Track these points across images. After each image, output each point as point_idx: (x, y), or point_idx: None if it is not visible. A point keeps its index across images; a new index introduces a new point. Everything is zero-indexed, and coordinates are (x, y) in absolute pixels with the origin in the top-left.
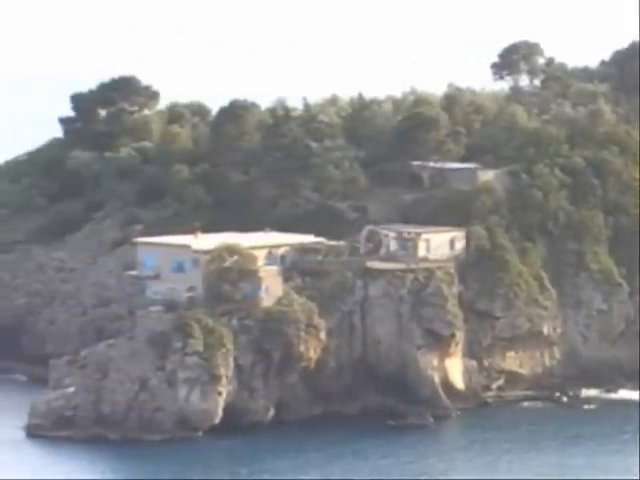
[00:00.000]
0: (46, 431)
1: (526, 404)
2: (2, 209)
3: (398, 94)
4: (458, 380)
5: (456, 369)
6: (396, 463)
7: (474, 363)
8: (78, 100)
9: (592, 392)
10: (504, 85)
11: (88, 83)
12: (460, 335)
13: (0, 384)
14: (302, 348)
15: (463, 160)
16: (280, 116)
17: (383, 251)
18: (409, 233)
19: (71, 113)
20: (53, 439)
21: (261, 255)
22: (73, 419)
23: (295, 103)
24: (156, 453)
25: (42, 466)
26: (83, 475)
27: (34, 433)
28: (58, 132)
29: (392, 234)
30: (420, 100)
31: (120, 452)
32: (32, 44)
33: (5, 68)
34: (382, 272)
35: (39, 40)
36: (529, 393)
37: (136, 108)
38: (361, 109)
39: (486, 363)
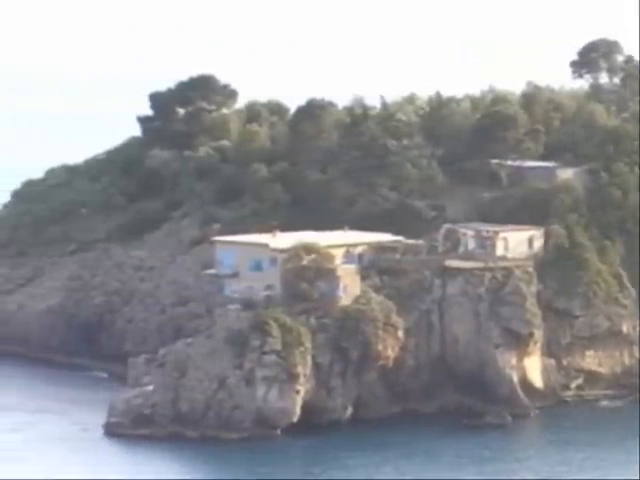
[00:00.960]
0: (125, 429)
1: (605, 403)
2: (82, 208)
3: (476, 92)
4: (537, 379)
5: (535, 368)
6: (471, 462)
7: (553, 362)
8: (157, 99)
9: None
10: (583, 83)
11: (167, 82)
12: (539, 334)
13: (79, 382)
14: (380, 347)
15: (542, 158)
16: (358, 115)
17: (461, 250)
18: (487, 232)
19: (150, 112)
20: (132, 437)
21: (339, 254)
22: (152, 417)
23: (373, 102)
24: (234, 452)
25: (120, 464)
26: (161, 473)
27: (113, 431)
28: (137, 131)
29: (470, 233)
30: (498, 98)
31: (198, 450)
32: (112, 45)
33: (86, 69)
34: (460, 271)
35: (118, 40)
36: (608, 392)
37: (214, 107)
38: (439, 107)
39: (565, 362)
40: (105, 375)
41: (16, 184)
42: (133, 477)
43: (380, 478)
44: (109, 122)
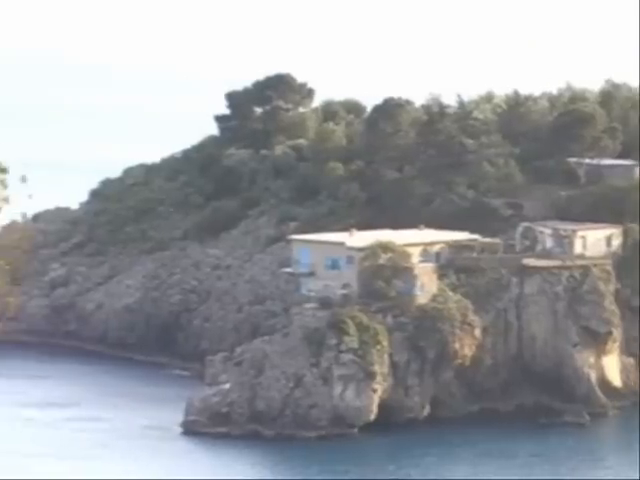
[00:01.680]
0: (202, 427)
1: None
2: (159, 207)
3: (554, 90)
4: (615, 378)
5: (613, 367)
6: (547, 461)
7: (632, 361)
8: (234, 98)
9: None
10: None
11: (244, 81)
12: (617, 333)
13: (157, 380)
14: (457, 345)
15: (620, 156)
16: (435, 113)
17: (539, 248)
18: (565, 230)
19: (227, 111)
20: (209, 435)
21: (416, 252)
22: (229, 415)
23: (450, 100)
24: (310, 450)
25: (198, 463)
26: (238, 472)
27: (190, 429)
28: (214, 130)
29: (548, 231)
30: (576, 96)
31: (274, 449)
32: (190, 44)
33: (163, 68)
34: (538, 269)
35: (196, 40)
36: None
37: (291, 106)
38: (516, 106)
39: None
40: (183, 373)
41: (94, 183)
42: (210, 475)
43: (454, 478)
44: (186, 121)
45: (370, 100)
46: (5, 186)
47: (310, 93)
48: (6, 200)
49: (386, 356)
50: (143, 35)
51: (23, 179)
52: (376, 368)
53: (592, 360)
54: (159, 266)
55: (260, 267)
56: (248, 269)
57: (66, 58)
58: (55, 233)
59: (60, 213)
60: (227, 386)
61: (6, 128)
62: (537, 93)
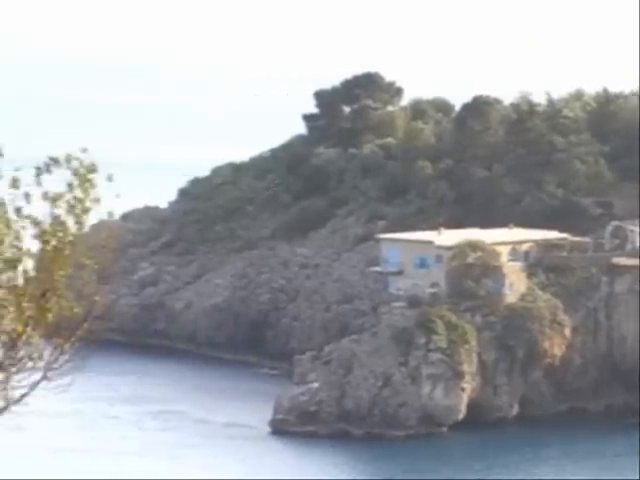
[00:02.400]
0: (290, 426)
1: None
2: (248, 206)
3: None
4: None
5: None
6: (632, 462)
7: None
8: (322, 97)
9: None
10: None
11: (332, 80)
12: None
13: (245, 379)
14: (546, 345)
15: None
16: (524, 111)
17: (629, 247)
18: None
19: (315, 110)
20: (297, 435)
21: (505, 251)
22: (317, 414)
23: (539, 98)
24: (399, 449)
25: (286, 462)
26: (327, 471)
27: (279, 428)
28: (302, 129)
29: (638, 229)
30: None
31: (363, 448)
32: (276, 43)
33: (250, 67)
34: (628, 268)
35: (283, 38)
36: None
37: (379, 105)
38: (606, 104)
39: None
40: (271, 372)
41: (183, 182)
42: (298, 475)
43: (540, 478)
44: (274, 120)
45: (459, 99)
46: (94, 186)
47: (399, 92)
48: (97, 201)
49: (474, 355)
50: (228, 33)
51: (109, 178)
52: (464, 367)
53: None
54: (248, 265)
55: (348, 266)
56: (336, 268)
57: (149, 60)
58: (144, 232)
59: (149, 212)
60: (315, 385)
61: (94, 128)
62: (627, 91)
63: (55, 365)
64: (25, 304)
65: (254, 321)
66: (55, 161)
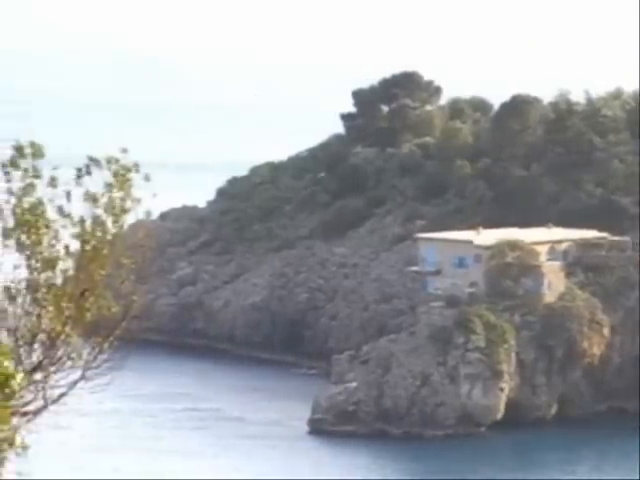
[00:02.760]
0: (328, 426)
1: None
2: (285, 205)
3: None
4: None
5: None
6: None
7: None
8: (360, 96)
9: None
10: None
11: (370, 79)
12: None
13: (283, 378)
14: (585, 344)
15: None
16: (563, 110)
17: None
18: None
19: (353, 109)
20: (335, 434)
21: (543, 251)
22: (355, 414)
23: (578, 97)
24: (438, 448)
25: (324, 461)
26: (365, 471)
27: (317, 428)
28: (340, 128)
29: None
30: None
31: (401, 447)
32: (315, 42)
33: (287, 66)
34: None
35: (320, 38)
36: None
37: (418, 104)
38: None
39: None
40: (309, 372)
41: (221, 182)
42: (336, 474)
43: (575, 478)
44: (311, 119)
45: (497, 98)
46: (133, 186)
47: (437, 91)
48: (136, 201)
49: (513, 355)
50: (271, 32)
51: (147, 178)
52: (503, 367)
53: None
54: (285, 265)
55: (386, 265)
56: (374, 268)
57: (183, 59)
58: (182, 232)
59: (187, 212)
60: (353, 385)
61: (132, 127)
62: None
63: (93, 364)
64: (64, 304)
65: (292, 320)
66: (95, 161)
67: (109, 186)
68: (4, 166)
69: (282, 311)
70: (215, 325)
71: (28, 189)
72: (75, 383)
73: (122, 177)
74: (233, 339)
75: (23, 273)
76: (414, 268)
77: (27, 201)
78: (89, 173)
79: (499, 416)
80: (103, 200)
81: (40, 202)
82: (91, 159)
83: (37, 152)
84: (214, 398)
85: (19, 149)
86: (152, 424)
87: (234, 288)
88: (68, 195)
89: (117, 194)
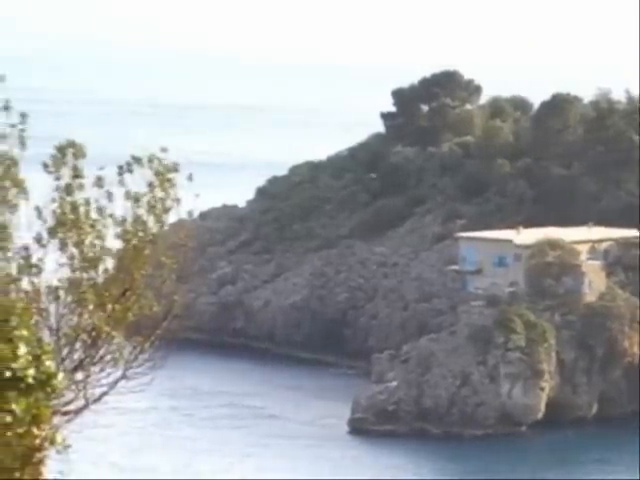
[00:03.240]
0: (368, 425)
1: None
2: (325, 204)
3: None
4: None
5: None
6: None
7: None
8: (400, 95)
9: None
10: None
11: (410, 78)
12: None
13: (323, 378)
14: (626, 344)
15: None
16: (603, 109)
17: None
18: None
19: (393, 108)
20: (375, 433)
21: (584, 250)
22: (395, 413)
23: (618, 96)
24: (478, 448)
25: (364, 461)
26: (405, 470)
27: (357, 427)
28: (380, 127)
29: None
30: None
31: (441, 447)
32: (357, 41)
33: (330, 65)
34: None
35: (362, 37)
36: None
37: (458, 103)
38: None
39: None
40: (349, 371)
41: (261, 181)
42: (376, 474)
43: (616, 478)
44: (351, 118)
45: (537, 96)
46: (174, 185)
47: (477, 90)
48: (177, 200)
49: (553, 354)
50: (307, 34)
51: (189, 178)
52: (543, 366)
53: None
54: (325, 264)
55: (426, 265)
56: (414, 267)
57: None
58: (222, 231)
59: (227, 211)
60: (394, 384)
61: (173, 127)
62: None
63: (134, 363)
64: (106, 303)
65: (332, 320)
66: (137, 160)
67: (150, 185)
68: (46, 166)
69: (322, 310)
70: (255, 324)
71: (71, 188)
72: (116, 382)
73: (163, 176)
74: (273, 338)
75: (66, 272)
76: (454, 267)
77: (70, 200)
78: (130, 171)
79: (539, 415)
80: (145, 199)
81: (84, 202)
82: (133, 158)
83: (78, 152)
84: (253, 397)
85: (61, 149)
86: (191, 423)
87: (274, 287)
88: (109, 195)
89: (158, 194)
